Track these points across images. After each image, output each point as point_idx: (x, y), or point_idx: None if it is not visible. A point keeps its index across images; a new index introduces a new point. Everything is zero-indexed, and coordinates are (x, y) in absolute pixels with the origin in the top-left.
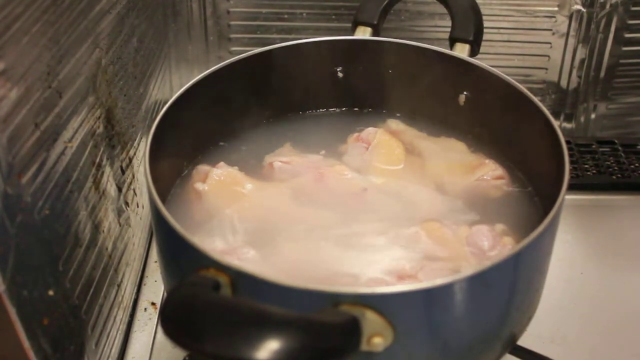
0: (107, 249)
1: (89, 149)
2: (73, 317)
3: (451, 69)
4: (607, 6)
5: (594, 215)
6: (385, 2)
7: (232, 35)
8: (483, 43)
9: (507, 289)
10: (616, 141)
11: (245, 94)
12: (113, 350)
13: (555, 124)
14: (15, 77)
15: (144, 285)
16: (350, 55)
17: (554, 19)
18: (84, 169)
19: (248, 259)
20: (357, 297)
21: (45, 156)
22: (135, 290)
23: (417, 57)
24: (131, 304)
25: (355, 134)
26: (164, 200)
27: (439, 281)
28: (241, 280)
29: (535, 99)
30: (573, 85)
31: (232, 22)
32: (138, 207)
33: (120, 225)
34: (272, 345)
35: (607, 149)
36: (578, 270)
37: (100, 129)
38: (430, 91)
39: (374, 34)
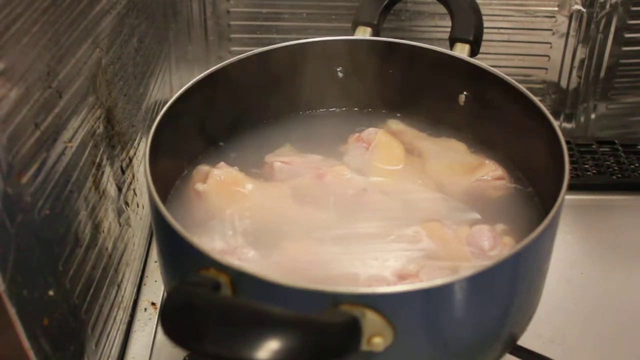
0: (107, 249)
1: (89, 149)
2: (73, 317)
3: (451, 69)
4: (607, 6)
5: (594, 215)
6: (385, 2)
7: (232, 35)
8: (483, 43)
9: (507, 289)
10: (616, 141)
11: (246, 94)
12: (113, 350)
13: (555, 124)
14: (15, 77)
15: (144, 285)
16: (350, 55)
17: (554, 19)
18: (84, 169)
19: (248, 259)
20: (357, 297)
21: (45, 156)
22: (135, 290)
23: (417, 57)
24: (131, 304)
25: (356, 134)
26: (164, 200)
27: (439, 281)
28: (241, 280)
29: (535, 99)
30: (573, 85)
31: (232, 22)
32: (138, 207)
33: (120, 225)
34: (272, 345)
35: (607, 149)
36: (578, 270)
37: (100, 129)
38: (430, 91)
39: (374, 34)
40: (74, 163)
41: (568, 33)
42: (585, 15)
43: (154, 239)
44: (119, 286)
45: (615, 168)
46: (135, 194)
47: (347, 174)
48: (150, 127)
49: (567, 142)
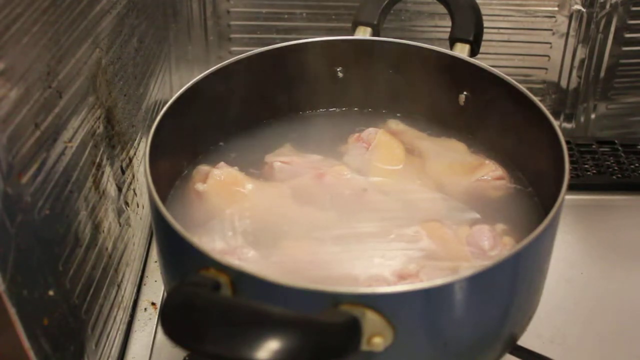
0: (107, 249)
1: (89, 149)
2: (73, 317)
3: (451, 69)
4: (607, 6)
5: (594, 215)
6: (385, 2)
7: (232, 35)
8: (483, 43)
9: (507, 289)
10: (616, 141)
11: (246, 94)
12: (113, 350)
13: (555, 124)
14: (15, 77)
15: (144, 285)
16: (350, 55)
17: (554, 19)
18: (84, 169)
19: (248, 259)
20: (357, 297)
21: (45, 156)
22: (135, 290)
23: (417, 57)
24: (131, 304)
25: (356, 134)
26: (164, 200)
27: (439, 281)
28: (241, 280)
29: (535, 99)
30: (573, 85)
31: (232, 22)
32: (138, 207)
33: (120, 225)
34: (272, 345)
35: (607, 149)
36: (578, 270)
37: (100, 129)
38: (430, 91)
39: (374, 34)
40: (74, 163)
41: (568, 33)
42: (585, 15)
43: (154, 239)
44: (119, 286)
45: (615, 168)
46: (135, 194)
47: (347, 174)
48: (150, 127)
49: (567, 142)
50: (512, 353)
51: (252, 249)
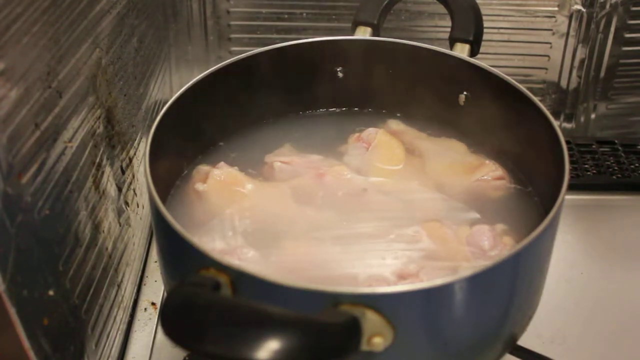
0: (107, 249)
1: (89, 149)
2: (73, 317)
3: (451, 69)
4: (607, 6)
5: (594, 215)
6: (385, 2)
7: (232, 35)
8: (483, 43)
9: (507, 289)
10: (616, 141)
11: (246, 94)
12: (113, 350)
13: (555, 124)
14: (15, 77)
15: (144, 285)
16: (350, 55)
17: (554, 19)
18: (84, 169)
19: (248, 259)
20: (357, 297)
21: (45, 156)
22: (135, 290)
23: (417, 57)
24: (131, 304)
25: (356, 134)
26: (164, 200)
27: (439, 281)
28: (241, 280)
29: (535, 99)
30: (573, 85)
31: (232, 22)
32: (138, 207)
33: (120, 225)
34: (272, 345)
35: (607, 149)
36: (578, 270)
37: (100, 129)
38: (430, 91)
39: (374, 34)
40: (74, 163)
41: (568, 33)
42: (585, 15)
43: (154, 239)
44: (119, 286)
45: (615, 168)
46: (135, 194)
47: (347, 174)
48: (150, 127)
49: (567, 142)
50: (512, 353)
51: (252, 249)
